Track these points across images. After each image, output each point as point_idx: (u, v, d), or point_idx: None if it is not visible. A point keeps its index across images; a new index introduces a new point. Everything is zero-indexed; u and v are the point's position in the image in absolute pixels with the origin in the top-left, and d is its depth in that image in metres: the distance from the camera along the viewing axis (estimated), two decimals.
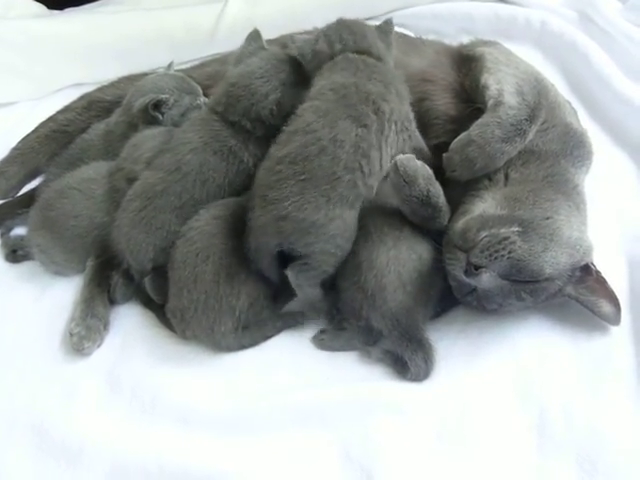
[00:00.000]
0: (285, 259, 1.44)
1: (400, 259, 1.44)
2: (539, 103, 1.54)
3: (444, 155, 1.53)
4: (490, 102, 1.53)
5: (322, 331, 1.53)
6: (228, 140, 1.62)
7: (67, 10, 2.71)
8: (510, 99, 1.52)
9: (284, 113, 1.58)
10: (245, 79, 1.66)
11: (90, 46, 2.36)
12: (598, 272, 1.44)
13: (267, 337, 1.54)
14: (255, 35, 1.84)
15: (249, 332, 1.51)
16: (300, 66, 1.67)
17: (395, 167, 1.44)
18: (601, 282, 1.44)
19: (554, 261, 1.35)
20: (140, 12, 2.48)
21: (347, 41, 1.62)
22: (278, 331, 1.55)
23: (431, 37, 2.06)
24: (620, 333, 1.46)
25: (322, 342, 1.51)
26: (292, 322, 1.57)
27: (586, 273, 1.43)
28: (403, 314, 1.42)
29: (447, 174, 1.51)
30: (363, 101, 1.46)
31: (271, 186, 1.39)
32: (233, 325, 1.47)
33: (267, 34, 1.91)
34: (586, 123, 1.83)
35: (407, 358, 1.40)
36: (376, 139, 1.45)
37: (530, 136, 1.52)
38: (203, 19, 2.41)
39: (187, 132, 1.65)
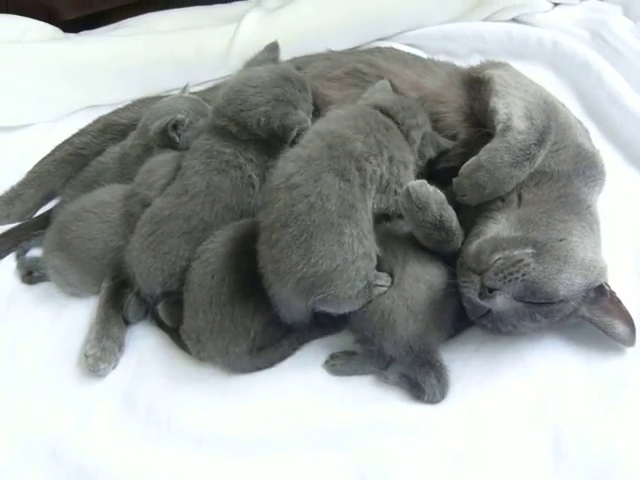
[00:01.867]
0: None
1: (405, 297, 1.43)
2: (548, 127, 1.53)
3: (454, 180, 1.53)
4: (499, 127, 1.53)
5: (333, 356, 1.53)
6: (222, 154, 1.63)
7: (82, 33, 2.73)
8: (519, 124, 1.51)
9: (272, 127, 1.62)
10: (241, 85, 1.68)
11: (105, 69, 2.38)
12: (612, 292, 1.44)
13: (282, 358, 1.54)
14: (273, 46, 1.87)
15: (264, 353, 1.52)
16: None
17: (407, 193, 1.43)
18: (615, 302, 1.43)
19: (568, 282, 1.35)
20: (154, 35, 2.49)
21: (397, 111, 1.63)
22: (293, 351, 1.56)
23: (442, 58, 2.06)
24: (634, 354, 1.45)
25: (334, 367, 1.51)
26: (306, 339, 1.58)
27: (600, 294, 1.42)
28: (416, 341, 1.41)
29: (457, 198, 1.50)
30: (347, 157, 1.43)
31: (277, 259, 1.36)
32: (248, 347, 1.48)
33: (280, 56, 1.93)
34: (599, 142, 1.82)
35: (421, 381, 1.41)
36: (360, 192, 1.43)
37: (539, 160, 1.51)
38: (216, 42, 2.42)
39: (189, 158, 1.66)
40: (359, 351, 1.52)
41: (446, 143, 1.64)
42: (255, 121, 1.63)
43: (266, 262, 1.39)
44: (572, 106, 1.91)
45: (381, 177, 1.48)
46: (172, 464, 1.39)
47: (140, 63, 2.40)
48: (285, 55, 2.00)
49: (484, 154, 1.49)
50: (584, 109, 2.17)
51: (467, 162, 1.52)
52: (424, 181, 1.45)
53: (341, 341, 1.57)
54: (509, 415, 1.39)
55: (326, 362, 1.52)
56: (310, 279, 1.33)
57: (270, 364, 1.53)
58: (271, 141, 1.65)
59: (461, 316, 1.50)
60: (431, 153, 1.62)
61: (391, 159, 1.52)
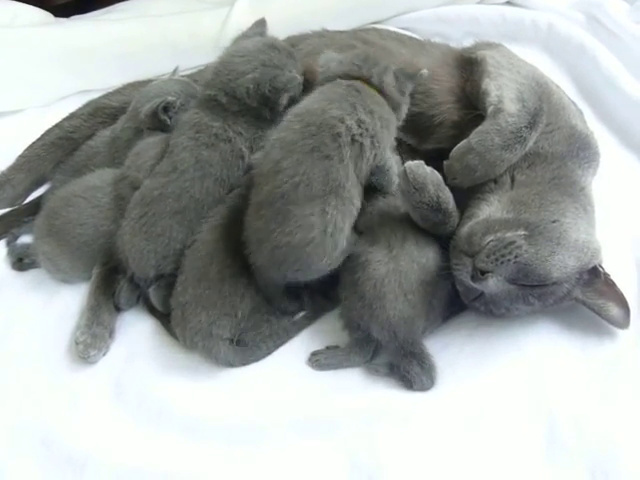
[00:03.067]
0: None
1: (400, 271, 1.43)
2: (540, 109, 1.53)
3: (445, 163, 1.53)
4: (490, 109, 1.53)
5: (315, 352, 1.52)
6: (211, 127, 1.63)
7: (73, 18, 2.69)
8: (510, 106, 1.51)
9: (263, 93, 1.63)
10: (228, 56, 1.71)
11: (96, 53, 2.34)
12: (606, 274, 1.43)
13: (267, 354, 1.53)
14: (260, 22, 1.87)
15: (248, 350, 1.51)
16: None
17: (404, 174, 1.43)
18: (610, 285, 1.42)
19: (561, 264, 1.34)
20: (145, 19, 2.45)
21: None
22: (276, 348, 1.55)
23: (437, 41, 2.04)
24: (629, 338, 1.45)
25: (318, 362, 1.50)
26: (290, 335, 1.57)
27: (594, 276, 1.42)
28: (401, 325, 1.40)
29: (448, 181, 1.49)
30: (323, 129, 1.43)
31: (259, 228, 1.40)
32: (231, 331, 1.47)
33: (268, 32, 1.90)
34: (594, 125, 1.81)
35: (405, 371, 1.41)
36: (342, 169, 1.42)
37: (530, 143, 1.51)
38: (207, 25, 2.38)
39: (177, 135, 1.66)
40: (342, 345, 1.51)
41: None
42: (244, 90, 1.63)
43: (249, 232, 1.43)
44: (567, 89, 1.90)
45: (360, 135, 1.45)
46: (162, 453, 1.38)
47: (132, 47, 2.36)
48: (279, 37, 1.95)
49: (475, 137, 1.50)
50: (579, 92, 2.16)
51: (458, 145, 1.52)
52: (421, 162, 1.44)
53: (331, 330, 1.57)
54: (503, 402, 1.38)
55: (309, 359, 1.51)
56: (283, 248, 1.37)
57: (256, 359, 1.52)
58: (262, 111, 1.67)
59: (454, 301, 1.49)
60: (408, 87, 1.60)
61: (372, 112, 1.49)
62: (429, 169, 1.44)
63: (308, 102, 1.52)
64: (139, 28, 2.40)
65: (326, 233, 1.37)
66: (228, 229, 1.53)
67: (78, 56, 2.34)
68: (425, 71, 1.60)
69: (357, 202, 1.45)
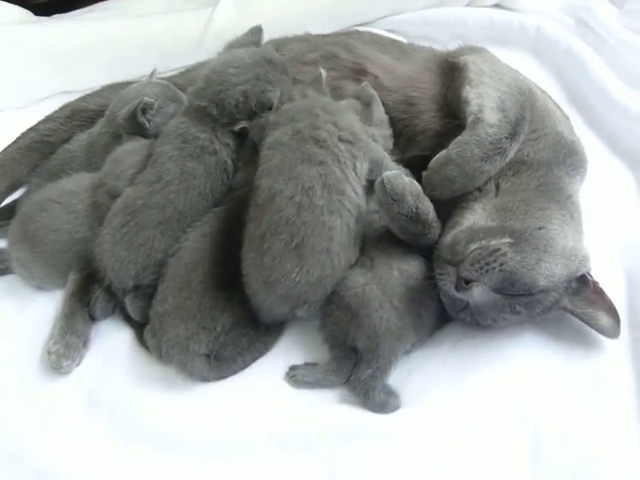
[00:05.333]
0: None
1: (379, 277, 1.40)
2: (522, 118, 1.50)
3: (423, 174, 1.50)
4: (470, 119, 1.49)
5: (293, 367, 1.47)
6: (197, 138, 1.60)
7: (54, 17, 2.65)
8: (490, 116, 1.48)
9: (250, 107, 1.60)
10: (222, 65, 1.66)
11: (77, 53, 2.30)
12: (595, 282, 1.40)
13: (243, 368, 1.49)
14: (256, 29, 1.84)
15: (225, 364, 1.47)
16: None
17: (382, 185, 1.39)
18: (599, 293, 1.39)
19: (548, 273, 1.31)
20: (127, 19, 2.41)
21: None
22: (253, 361, 1.50)
23: (423, 43, 2.01)
24: (617, 350, 1.42)
25: (295, 378, 1.45)
26: (268, 347, 1.53)
27: (583, 284, 1.39)
28: (387, 336, 1.36)
29: (426, 193, 1.45)
30: (301, 141, 1.42)
31: (268, 267, 1.35)
32: (208, 347, 1.42)
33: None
34: (582, 131, 1.79)
35: (371, 387, 1.36)
36: (339, 170, 1.41)
37: (511, 154, 1.48)
38: (191, 25, 2.36)
39: (162, 143, 1.63)
40: (321, 360, 1.47)
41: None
42: (234, 101, 1.60)
43: (253, 270, 1.38)
44: (555, 94, 1.88)
45: (343, 130, 1.46)
46: (135, 467, 1.34)
47: (114, 48, 2.33)
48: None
49: (454, 147, 1.47)
50: (567, 97, 2.15)
51: (436, 156, 1.49)
52: (399, 172, 1.42)
53: (310, 342, 1.52)
54: (487, 417, 1.34)
55: (287, 374, 1.46)
56: (303, 288, 1.34)
57: (231, 373, 1.48)
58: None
59: (440, 314, 1.47)
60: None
61: (326, 111, 1.50)
62: (408, 179, 1.41)
63: (273, 135, 1.50)
64: (121, 28, 2.37)
65: (334, 268, 1.37)
66: (216, 239, 1.50)
67: (58, 56, 2.30)
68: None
69: (362, 216, 1.44)
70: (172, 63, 2.27)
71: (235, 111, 1.60)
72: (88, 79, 2.27)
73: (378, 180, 1.40)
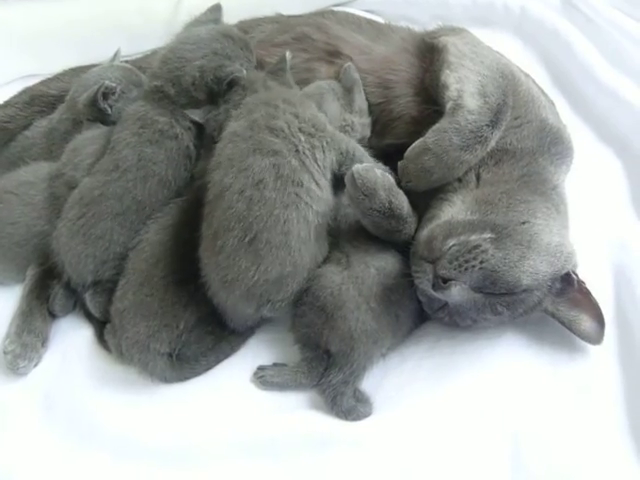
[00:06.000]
0: None
1: (356, 277, 1.34)
2: (504, 104, 1.44)
3: (399, 164, 1.44)
4: (449, 105, 1.44)
5: (261, 368, 1.42)
6: (156, 122, 1.55)
7: None
8: (470, 102, 1.42)
9: (206, 82, 1.56)
10: (178, 43, 1.64)
11: (41, 35, 2.24)
12: (581, 282, 1.35)
13: (207, 369, 1.44)
14: (215, 7, 1.81)
15: (187, 365, 1.42)
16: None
17: (352, 179, 1.34)
18: (584, 293, 1.34)
19: (532, 270, 1.26)
20: (96, 0, 2.32)
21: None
22: (217, 363, 1.45)
23: (403, 24, 1.95)
24: (604, 353, 1.37)
25: (263, 379, 1.39)
26: (234, 348, 1.47)
27: (567, 283, 1.34)
28: (363, 339, 1.31)
29: (402, 184, 1.40)
30: (255, 130, 1.37)
31: (224, 266, 1.30)
32: (170, 345, 1.37)
33: (227, 20, 1.84)
34: (568, 117, 1.77)
35: (340, 392, 1.31)
36: (296, 160, 1.34)
37: (492, 143, 1.43)
38: (161, 6, 2.29)
39: (120, 129, 1.58)
40: (290, 361, 1.42)
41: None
42: (190, 78, 1.56)
43: (211, 270, 1.33)
44: (540, 77, 1.85)
45: (303, 121, 1.40)
46: (92, 475, 1.29)
47: (82, 30, 2.26)
48: (232, 19, 1.91)
49: (431, 136, 1.41)
50: (553, 81, 2.12)
51: (413, 145, 1.43)
52: (370, 165, 1.37)
53: (280, 341, 1.47)
54: (464, 424, 1.29)
55: (254, 374, 1.41)
56: (262, 286, 1.29)
57: (194, 374, 1.43)
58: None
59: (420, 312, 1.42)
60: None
61: (287, 102, 1.44)
62: (379, 172, 1.35)
63: (230, 126, 1.44)
64: (89, 8, 2.29)
65: (296, 265, 1.31)
66: (179, 231, 1.44)
67: (24, 38, 2.24)
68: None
69: (327, 210, 1.37)
70: (142, 45, 2.21)
71: (192, 89, 1.56)
72: (55, 62, 2.16)
73: (348, 174, 1.35)
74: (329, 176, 1.40)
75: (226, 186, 1.31)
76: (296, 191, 1.31)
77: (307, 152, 1.36)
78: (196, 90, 1.56)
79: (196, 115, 1.55)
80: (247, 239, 1.27)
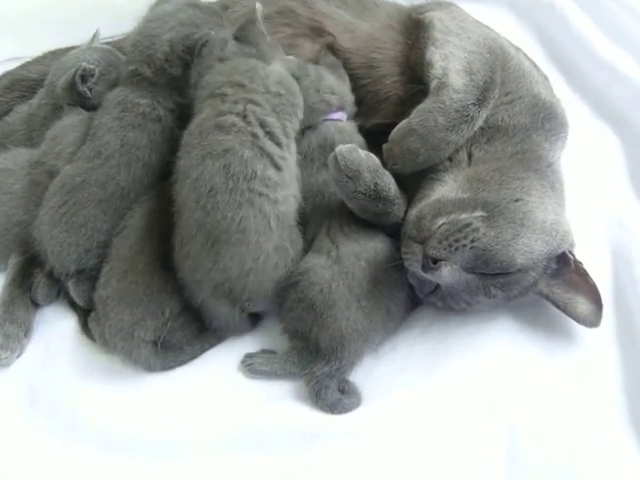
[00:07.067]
0: None
1: (346, 272, 1.31)
2: (492, 81, 1.41)
3: (383, 146, 1.43)
4: (433, 83, 1.41)
5: (249, 355, 1.39)
6: (138, 105, 1.53)
7: None
8: (456, 80, 1.39)
9: (178, 54, 1.53)
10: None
11: (24, 17, 2.20)
12: (577, 262, 1.31)
13: (192, 358, 1.41)
14: None
15: (171, 353, 1.39)
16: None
17: (335, 161, 1.31)
18: (581, 274, 1.30)
19: (526, 249, 1.23)
20: None
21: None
22: (202, 352, 1.43)
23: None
24: (602, 336, 1.34)
25: (251, 367, 1.36)
26: (221, 338, 1.45)
27: (564, 264, 1.30)
28: (354, 338, 1.28)
29: (388, 168, 1.37)
30: (204, 134, 1.34)
31: (192, 269, 1.31)
32: (154, 333, 1.35)
33: None
34: (564, 93, 1.73)
35: (325, 385, 1.28)
36: (250, 150, 1.32)
37: (480, 122, 1.40)
38: None
39: (101, 115, 1.55)
40: (279, 350, 1.39)
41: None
42: (162, 54, 1.54)
43: (185, 274, 1.34)
44: (535, 52, 1.82)
45: (255, 100, 1.38)
46: (76, 469, 1.26)
47: (65, 11, 2.22)
48: None
49: (415, 116, 1.39)
50: (548, 55, 2.08)
51: (397, 126, 1.41)
52: (354, 145, 1.34)
53: (268, 329, 1.45)
54: (458, 414, 1.26)
55: (242, 361, 1.38)
56: (225, 284, 1.30)
57: (179, 363, 1.40)
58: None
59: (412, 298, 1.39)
60: None
61: (238, 83, 1.41)
62: (364, 153, 1.33)
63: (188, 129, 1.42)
64: None
65: (257, 260, 1.30)
66: (164, 215, 1.40)
67: (6, 21, 2.21)
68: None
69: (291, 191, 1.36)
70: (126, 25, 2.09)
71: (167, 65, 1.53)
72: (40, 44, 2.12)
73: (331, 156, 1.33)
74: (293, 147, 1.40)
75: (184, 199, 1.32)
76: (249, 186, 1.29)
77: (272, 130, 1.35)
78: (171, 65, 1.53)
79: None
80: (209, 244, 1.28)
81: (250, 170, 1.29)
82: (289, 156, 1.37)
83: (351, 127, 1.55)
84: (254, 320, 1.45)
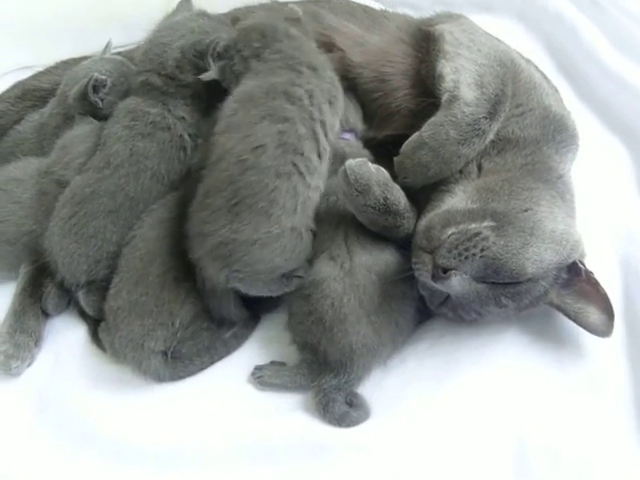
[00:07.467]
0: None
1: (357, 286, 1.30)
2: (503, 94, 1.40)
3: (395, 159, 1.41)
4: (445, 97, 1.40)
5: (258, 367, 1.39)
6: (148, 114, 1.54)
7: None
8: (467, 93, 1.38)
9: (189, 60, 1.56)
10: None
11: (37, 26, 2.19)
12: (588, 272, 1.30)
13: (201, 369, 1.41)
14: (185, 1, 1.80)
15: (182, 364, 1.39)
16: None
17: (345, 175, 1.31)
18: (592, 284, 1.29)
19: (537, 258, 1.22)
20: None
21: (245, 50, 1.52)
22: (211, 364, 1.42)
23: (402, 10, 1.92)
24: (612, 349, 1.33)
25: (261, 379, 1.36)
26: (230, 350, 1.44)
27: (574, 273, 1.29)
28: (363, 354, 1.27)
29: (399, 181, 1.37)
30: (272, 95, 1.36)
31: (205, 220, 1.29)
32: (165, 344, 1.35)
33: (221, 9, 1.85)
34: (573, 104, 1.72)
35: (332, 398, 1.27)
36: (306, 128, 1.34)
37: (491, 135, 1.39)
38: None
39: (111, 124, 1.56)
40: (288, 360, 1.39)
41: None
42: (173, 61, 1.56)
43: (193, 225, 1.33)
44: (544, 64, 1.80)
45: (322, 90, 1.42)
46: (85, 478, 1.26)
47: (77, 20, 2.22)
48: (226, 8, 1.91)
49: (427, 130, 1.38)
50: (557, 67, 2.07)
51: (409, 139, 1.40)
52: (364, 159, 1.34)
53: (276, 339, 1.44)
54: (466, 427, 1.25)
55: (252, 373, 1.38)
56: (229, 245, 1.27)
57: (188, 373, 1.40)
58: (199, 89, 1.58)
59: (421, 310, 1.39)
60: None
61: (311, 67, 1.45)
62: (374, 167, 1.33)
63: (242, 86, 1.43)
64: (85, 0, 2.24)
65: (269, 234, 1.27)
66: (175, 225, 1.41)
67: (19, 29, 2.20)
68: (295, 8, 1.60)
69: (321, 183, 1.37)
70: (137, 35, 2.10)
71: (177, 72, 1.55)
72: (51, 53, 2.12)
73: (341, 170, 1.32)
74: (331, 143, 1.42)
75: (227, 149, 1.31)
76: (294, 160, 1.30)
77: (324, 119, 1.38)
78: (182, 72, 1.55)
79: (211, 75, 1.52)
80: (233, 201, 1.26)
81: (300, 146, 1.31)
82: (328, 149, 1.39)
83: (358, 145, 1.56)
84: (253, 321, 1.47)
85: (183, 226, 1.35)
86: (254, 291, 1.36)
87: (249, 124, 1.32)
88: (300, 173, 1.30)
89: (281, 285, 1.34)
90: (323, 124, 1.37)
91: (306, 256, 1.36)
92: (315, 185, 1.34)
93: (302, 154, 1.31)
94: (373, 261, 1.33)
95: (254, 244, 1.26)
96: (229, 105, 1.40)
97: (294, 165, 1.30)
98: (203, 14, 1.64)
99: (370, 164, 1.32)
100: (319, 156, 1.35)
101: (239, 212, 1.26)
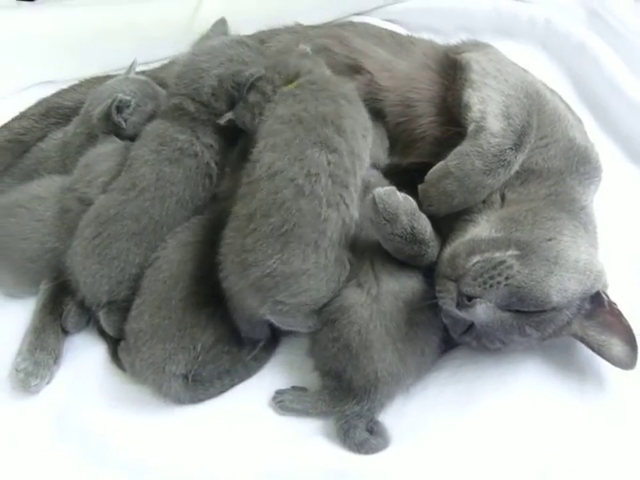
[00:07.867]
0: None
1: (384, 312, 1.30)
2: (528, 126, 1.40)
3: (419, 187, 1.41)
4: (471, 127, 1.40)
5: (280, 392, 1.38)
6: (176, 140, 1.53)
7: (37, 1, 2.54)
8: (493, 124, 1.38)
9: (225, 93, 1.54)
10: (192, 56, 1.62)
11: (60, 41, 2.21)
12: (612, 303, 1.29)
13: (221, 392, 1.40)
14: (221, 22, 1.81)
15: (202, 387, 1.38)
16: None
17: (373, 203, 1.30)
18: (616, 315, 1.28)
19: (561, 287, 1.21)
20: (113, 6, 2.32)
21: (274, 80, 1.52)
22: (232, 386, 1.41)
23: (425, 35, 1.93)
24: (635, 381, 1.30)
25: (282, 404, 1.35)
26: (250, 373, 1.44)
27: (597, 304, 1.29)
28: (388, 382, 1.27)
29: (423, 209, 1.37)
30: (321, 123, 1.35)
31: (248, 249, 1.25)
32: (186, 367, 1.34)
33: (245, 29, 1.83)
34: (595, 134, 1.71)
35: (353, 425, 1.27)
36: (350, 163, 1.33)
37: (516, 166, 1.39)
38: (178, 13, 2.27)
39: (138, 147, 1.55)
40: (310, 386, 1.38)
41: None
42: (209, 89, 1.54)
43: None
44: (566, 92, 1.80)
45: (359, 124, 1.41)
46: None
47: (98, 35, 2.23)
48: (250, 28, 1.90)
49: (453, 159, 1.38)
50: (579, 96, 2.07)
51: (434, 168, 1.40)
52: (392, 188, 1.33)
53: (298, 363, 1.44)
54: (488, 458, 1.24)
55: (273, 398, 1.37)
56: (277, 278, 1.23)
57: (209, 396, 1.39)
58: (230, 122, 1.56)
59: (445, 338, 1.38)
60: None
61: (349, 101, 1.44)
62: (401, 196, 1.32)
63: (288, 106, 1.42)
64: (107, 15, 2.28)
65: (318, 265, 1.26)
66: (198, 249, 1.41)
67: (41, 43, 2.21)
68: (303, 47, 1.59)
69: (356, 213, 1.35)
70: (160, 52, 2.19)
71: (212, 100, 1.54)
72: (71, 68, 2.18)
73: (369, 197, 1.32)
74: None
75: (278, 170, 1.28)
76: (342, 192, 1.30)
77: (360, 154, 1.37)
78: (217, 100, 1.54)
79: (228, 114, 1.52)
80: (283, 229, 1.23)
81: (347, 179, 1.31)
82: (360, 182, 1.38)
83: (378, 175, 1.54)
84: (273, 344, 1.46)
85: (213, 250, 1.33)
86: (291, 323, 1.34)
87: (300, 147, 1.31)
88: (347, 205, 1.30)
89: (318, 320, 1.33)
90: (359, 158, 1.37)
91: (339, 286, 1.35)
92: (354, 216, 1.34)
93: (348, 187, 1.31)
94: (400, 288, 1.33)
95: (302, 275, 1.25)
96: (272, 127, 1.38)
97: (341, 197, 1.30)
98: (242, 42, 1.63)
99: (398, 193, 1.31)
100: (355, 189, 1.34)
101: (288, 242, 1.23)
